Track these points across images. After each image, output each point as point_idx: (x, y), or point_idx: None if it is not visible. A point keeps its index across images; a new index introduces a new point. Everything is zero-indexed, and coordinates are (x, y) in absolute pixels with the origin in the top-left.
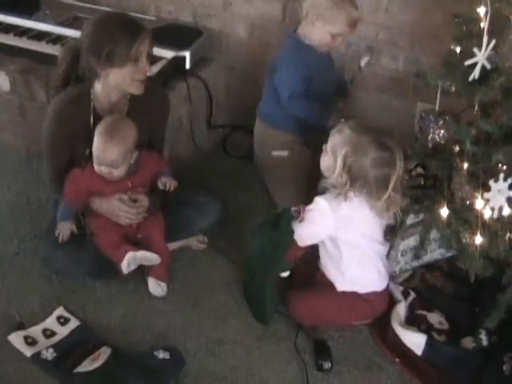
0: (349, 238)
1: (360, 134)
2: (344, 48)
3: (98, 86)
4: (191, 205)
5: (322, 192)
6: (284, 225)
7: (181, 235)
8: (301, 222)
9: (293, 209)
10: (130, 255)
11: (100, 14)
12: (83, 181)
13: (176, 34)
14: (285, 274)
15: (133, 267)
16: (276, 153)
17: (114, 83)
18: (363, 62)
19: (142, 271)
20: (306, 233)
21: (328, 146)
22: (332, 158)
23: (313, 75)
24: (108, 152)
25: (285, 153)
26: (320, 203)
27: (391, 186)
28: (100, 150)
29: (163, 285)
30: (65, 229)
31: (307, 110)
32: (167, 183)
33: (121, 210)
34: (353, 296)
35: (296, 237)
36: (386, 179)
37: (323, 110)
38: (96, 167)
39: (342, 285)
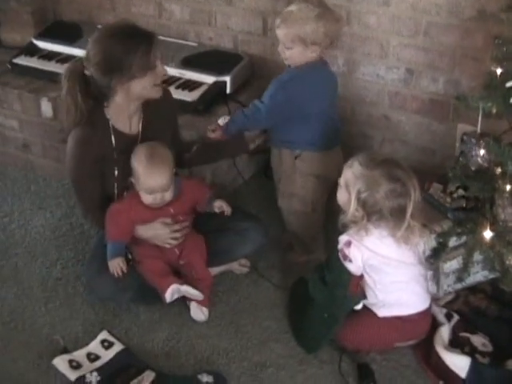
0: (379, 267)
1: (370, 168)
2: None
3: (113, 103)
4: (233, 230)
5: (343, 228)
6: (335, 264)
7: (222, 261)
8: (348, 260)
9: (339, 248)
10: (174, 287)
11: (103, 30)
12: (123, 213)
13: (217, 60)
14: (358, 307)
15: (176, 297)
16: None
17: (135, 94)
18: (222, 121)
19: (184, 296)
20: (353, 268)
21: (341, 181)
22: (346, 194)
23: None
24: (159, 177)
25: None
26: (344, 240)
27: (408, 215)
28: (151, 178)
29: (205, 310)
30: (117, 265)
31: None
32: (223, 206)
33: (166, 232)
34: (395, 318)
35: (351, 271)
36: (402, 210)
37: None
38: (148, 198)
39: (381, 311)
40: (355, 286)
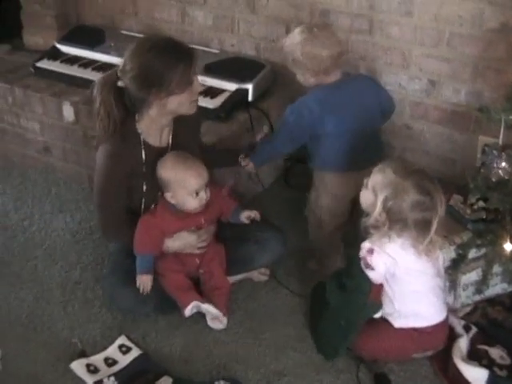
0: (399, 276)
1: (402, 177)
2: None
3: (146, 116)
4: (253, 240)
5: (365, 232)
6: (356, 272)
7: (241, 270)
8: (370, 268)
9: (361, 255)
10: (195, 304)
11: (142, 43)
12: (155, 225)
13: (239, 67)
14: (377, 315)
15: (194, 311)
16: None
17: (171, 110)
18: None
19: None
20: (375, 276)
21: (369, 183)
22: (373, 196)
23: None
24: (201, 175)
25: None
26: (366, 248)
27: (432, 230)
28: (195, 178)
29: (223, 318)
30: (147, 282)
31: None
32: (251, 215)
33: (194, 239)
34: (411, 329)
35: (372, 279)
36: (427, 223)
37: None
38: (194, 202)
39: (397, 322)
40: (377, 293)
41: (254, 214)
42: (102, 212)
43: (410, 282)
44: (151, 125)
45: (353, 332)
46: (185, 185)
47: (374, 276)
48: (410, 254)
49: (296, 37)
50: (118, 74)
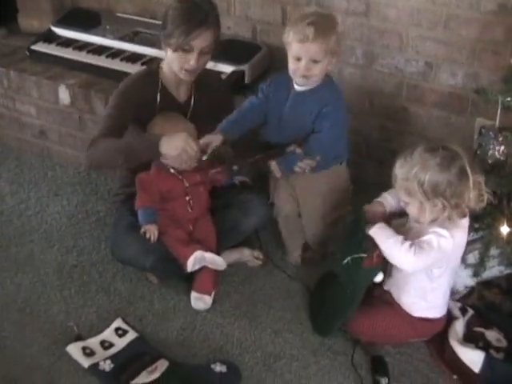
0: (446, 268)
1: (409, 161)
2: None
3: (165, 62)
4: (235, 205)
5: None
6: (359, 233)
7: (230, 238)
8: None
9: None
10: (198, 253)
11: None
12: (152, 183)
13: (235, 49)
14: (378, 279)
15: (197, 267)
16: None
17: (169, 62)
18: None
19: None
20: (430, 261)
21: (404, 198)
22: (414, 201)
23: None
24: (188, 130)
25: None
26: (443, 232)
27: (469, 171)
28: (179, 127)
29: (207, 298)
30: (153, 230)
31: None
32: (244, 181)
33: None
34: (416, 319)
35: (414, 265)
36: (463, 170)
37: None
38: (182, 157)
39: (421, 312)
40: (370, 260)
41: (246, 181)
42: (103, 123)
43: (450, 274)
44: (169, 68)
45: (354, 303)
46: (179, 143)
47: (432, 260)
48: (463, 243)
49: (330, 18)
50: None
